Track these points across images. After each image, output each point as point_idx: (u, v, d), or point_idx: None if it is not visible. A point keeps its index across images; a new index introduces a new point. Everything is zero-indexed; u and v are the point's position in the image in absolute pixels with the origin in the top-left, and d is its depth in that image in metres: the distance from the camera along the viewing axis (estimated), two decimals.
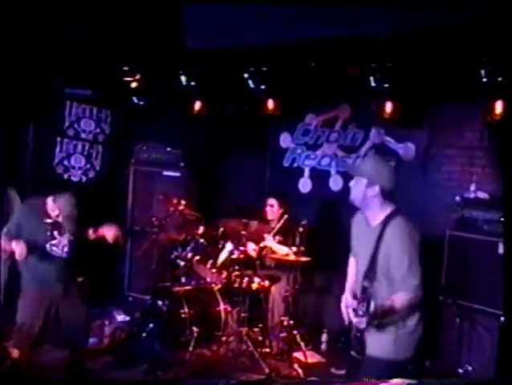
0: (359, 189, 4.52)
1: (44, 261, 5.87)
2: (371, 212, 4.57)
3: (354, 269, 4.92)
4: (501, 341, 6.50)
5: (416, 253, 4.37)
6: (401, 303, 4.30)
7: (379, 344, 4.45)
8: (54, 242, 5.90)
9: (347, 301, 4.63)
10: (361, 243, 4.69)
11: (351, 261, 5.04)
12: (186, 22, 7.24)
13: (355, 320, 4.23)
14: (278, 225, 7.86)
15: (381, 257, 4.38)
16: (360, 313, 4.13)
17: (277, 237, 7.75)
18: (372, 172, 4.52)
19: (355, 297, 4.44)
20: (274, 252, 7.77)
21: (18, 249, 5.58)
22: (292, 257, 7.37)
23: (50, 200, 5.90)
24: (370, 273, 4.35)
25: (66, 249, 5.96)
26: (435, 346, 6.86)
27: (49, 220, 5.90)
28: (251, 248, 7.81)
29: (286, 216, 7.84)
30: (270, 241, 7.76)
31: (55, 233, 5.91)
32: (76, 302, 6.10)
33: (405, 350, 4.49)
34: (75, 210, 5.93)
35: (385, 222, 4.45)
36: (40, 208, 5.90)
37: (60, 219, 5.90)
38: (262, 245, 7.82)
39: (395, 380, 3.91)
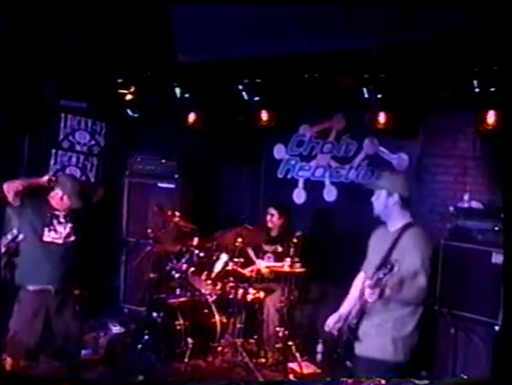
0: (380, 201, 4.87)
1: (43, 255, 5.95)
2: (392, 220, 4.88)
3: (359, 286, 5.04)
4: (497, 350, 6.53)
5: (427, 260, 4.68)
6: (405, 296, 4.57)
7: (378, 345, 4.70)
8: (52, 228, 5.98)
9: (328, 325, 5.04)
10: (377, 246, 4.95)
11: (360, 277, 5.18)
12: (176, 36, 7.27)
13: (368, 292, 4.45)
14: (276, 233, 7.99)
15: (395, 255, 4.63)
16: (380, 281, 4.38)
17: (273, 247, 7.85)
18: (390, 182, 4.90)
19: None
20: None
21: (11, 188, 5.83)
22: (287, 268, 7.38)
23: (52, 192, 6.02)
24: (382, 266, 4.52)
25: (65, 239, 6.04)
26: (430, 356, 6.86)
27: (50, 212, 5.99)
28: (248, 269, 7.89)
29: (281, 222, 8.04)
30: (260, 263, 7.83)
31: (55, 222, 5.98)
32: (71, 313, 6.11)
33: (402, 353, 4.70)
34: (77, 185, 6.07)
35: (403, 228, 4.79)
36: (42, 199, 6.03)
37: (65, 199, 5.98)
38: (254, 268, 7.88)
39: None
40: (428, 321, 4.91)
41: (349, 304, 5.08)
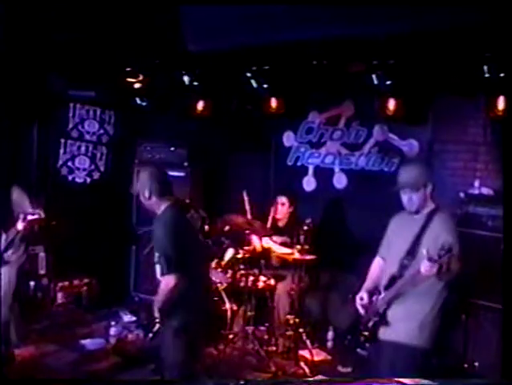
0: (420, 196, 4.87)
1: None
2: (422, 205, 4.89)
3: (377, 270, 5.10)
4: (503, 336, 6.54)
5: (458, 245, 4.59)
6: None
7: (405, 329, 4.74)
8: None
9: (362, 298, 5.01)
10: (402, 232, 4.97)
11: (377, 262, 5.21)
12: (185, 24, 7.24)
13: (427, 264, 4.33)
14: (284, 223, 7.97)
15: (425, 240, 4.67)
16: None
17: (281, 238, 7.84)
18: (422, 175, 4.93)
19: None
20: (274, 252, 7.83)
21: None
22: (297, 256, 7.38)
23: None
24: (412, 252, 4.62)
25: None
26: (442, 344, 6.85)
27: None
28: (255, 239, 7.87)
29: (291, 211, 7.97)
30: (269, 243, 7.81)
31: None
32: None
33: (428, 337, 4.78)
34: None
35: (431, 212, 4.84)
36: None
37: None
38: (263, 245, 7.86)
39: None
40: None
41: (367, 290, 5.06)
